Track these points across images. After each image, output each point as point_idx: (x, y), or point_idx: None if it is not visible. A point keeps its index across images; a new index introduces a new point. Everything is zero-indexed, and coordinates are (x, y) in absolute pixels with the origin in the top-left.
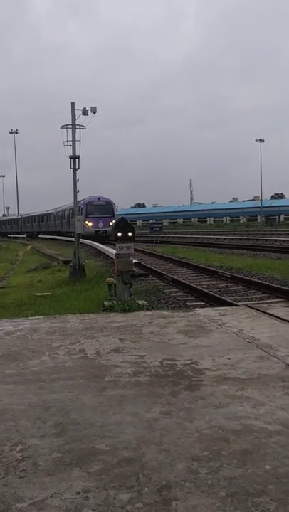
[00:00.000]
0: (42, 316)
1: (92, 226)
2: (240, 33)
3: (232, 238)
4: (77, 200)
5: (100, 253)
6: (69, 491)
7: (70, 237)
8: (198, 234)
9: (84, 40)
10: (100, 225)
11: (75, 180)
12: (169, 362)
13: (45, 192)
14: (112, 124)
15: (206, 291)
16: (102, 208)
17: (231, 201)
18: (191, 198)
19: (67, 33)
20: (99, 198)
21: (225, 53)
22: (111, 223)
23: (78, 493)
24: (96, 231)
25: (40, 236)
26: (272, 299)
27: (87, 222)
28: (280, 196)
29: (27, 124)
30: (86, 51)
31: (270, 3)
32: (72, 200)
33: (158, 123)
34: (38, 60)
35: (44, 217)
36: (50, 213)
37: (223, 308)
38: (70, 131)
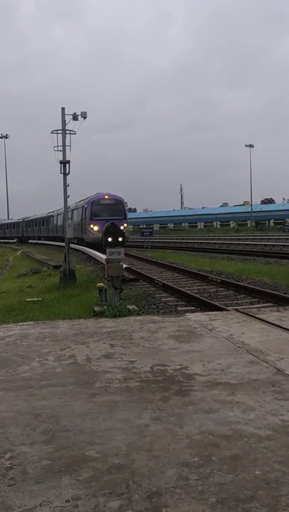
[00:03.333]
0: (32, 322)
1: (98, 231)
2: (228, 37)
3: (222, 243)
4: (82, 198)
5: (91, 258)
6: (58, 499)
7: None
8: (188, 239)
9: (71, 44)
10: None
11: (66, 186)
12: (160, 367)
13: (33, 197)
14: (100, 129)
15: (196, 295)
16: (110, 208)
17: (221, 206)
18: (182, 203)
19: (54, 38)
20: (107, 196)
21: (213, 58)
22: (122, 227)
23: (68, 501)
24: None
25: (30, 241)
26: (263, 303)
27: (92, 226)
28: (270, 201)
29: (15, 129)
30: (74, 56)
31: (258, 8)
32: (76, 202)
33: (147, 127)
34: (24, 64)
35: (44, 221)
36: (51, 215)
37: (214, 313)
38: (60, 136)
